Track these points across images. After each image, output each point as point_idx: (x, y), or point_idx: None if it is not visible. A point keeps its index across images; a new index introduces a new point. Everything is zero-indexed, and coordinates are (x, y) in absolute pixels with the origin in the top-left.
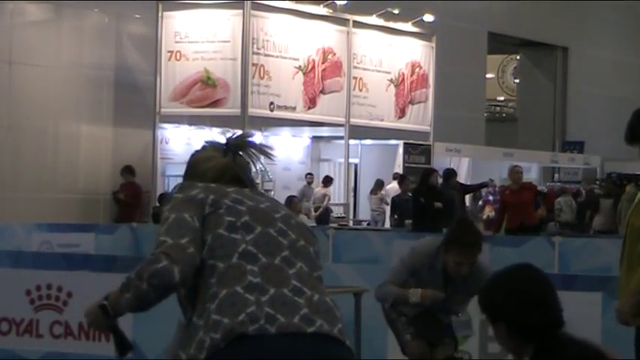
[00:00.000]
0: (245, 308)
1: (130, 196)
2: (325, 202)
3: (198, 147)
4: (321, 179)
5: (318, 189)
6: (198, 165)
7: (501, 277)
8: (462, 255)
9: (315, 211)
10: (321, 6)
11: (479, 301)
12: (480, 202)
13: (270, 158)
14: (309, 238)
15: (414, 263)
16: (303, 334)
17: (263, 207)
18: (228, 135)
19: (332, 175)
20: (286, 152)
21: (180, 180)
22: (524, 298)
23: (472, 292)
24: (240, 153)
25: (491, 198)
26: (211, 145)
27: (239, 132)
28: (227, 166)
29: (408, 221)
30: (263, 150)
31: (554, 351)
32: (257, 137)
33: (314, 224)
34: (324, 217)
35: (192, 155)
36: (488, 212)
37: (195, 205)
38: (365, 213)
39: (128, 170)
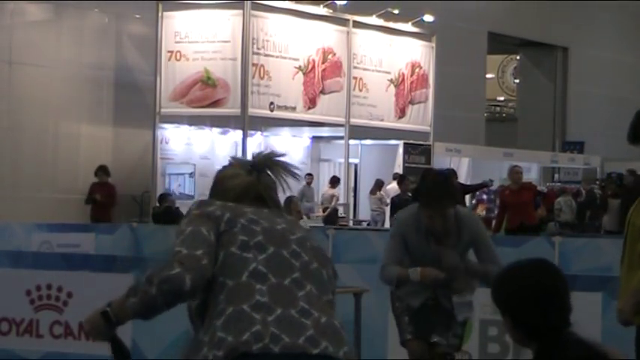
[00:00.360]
0: (250, 327)
1: (105, 196)
2: (333, 203)
3: (225, 163)
4: (320, 179)
5: (325, 189)
6: (223, 182)
7: (513, 270)
8: (431, 209)
9: (324, 211)
10: (321, 6)
11: (491, 289)
12: (474, 201)
13: (296, 178)
14: (323, 261)
15: (401, 231)
16: (308, 355)
17: (279, 228)
18: (256, 152)
19: (331, 176)
20: (286, 152)
21: (180, 179)
22: (528, 295)
23: (461, 247)
24: (267, 171)
25: (485, 197)
26: (238, 162)
27: (267, 150)
28: (251, 185)
29: None
30: (289, 169)
31: (556, 350)
32: (257, 137)
33: (319, 225)
34: (332, 217)
35: (219, 172)
36: (480, 211)
37: (211, 221)
38: (365, 213)
39: (103, 170)
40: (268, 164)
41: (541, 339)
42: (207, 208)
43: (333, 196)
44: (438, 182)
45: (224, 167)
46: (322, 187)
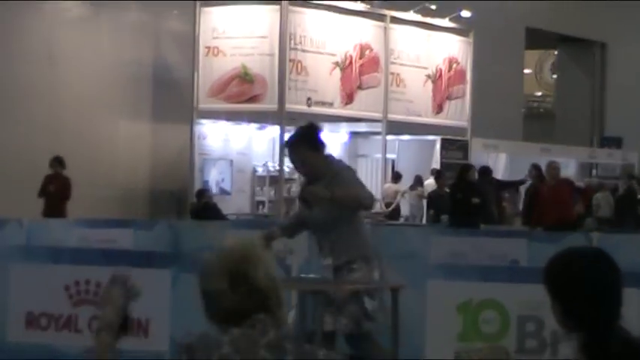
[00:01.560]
0: None
1: (59, 189)
2: (398, 198)
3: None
4: (358, 175)
5: (388, 185)
6: None
7: (570, 257)
8: (288, 155)
9: (387, 207)
10: (359, 2)
11: (543, 270)
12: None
13: None
14: None
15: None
16: None
17: None
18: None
19: (369, 171)
20: None
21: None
22: (584, 287)
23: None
24: None
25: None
26: None
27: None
28: None
29: (444, 216)
30: None
31: (604, 344)
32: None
33: None
34: (396, 213)
35: None
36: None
37: None
38: (402, 208)
39: (58, 161)
40: None
41: (591, 330)
42: None
43: (396, 192)
44: (295, 133)
45: None
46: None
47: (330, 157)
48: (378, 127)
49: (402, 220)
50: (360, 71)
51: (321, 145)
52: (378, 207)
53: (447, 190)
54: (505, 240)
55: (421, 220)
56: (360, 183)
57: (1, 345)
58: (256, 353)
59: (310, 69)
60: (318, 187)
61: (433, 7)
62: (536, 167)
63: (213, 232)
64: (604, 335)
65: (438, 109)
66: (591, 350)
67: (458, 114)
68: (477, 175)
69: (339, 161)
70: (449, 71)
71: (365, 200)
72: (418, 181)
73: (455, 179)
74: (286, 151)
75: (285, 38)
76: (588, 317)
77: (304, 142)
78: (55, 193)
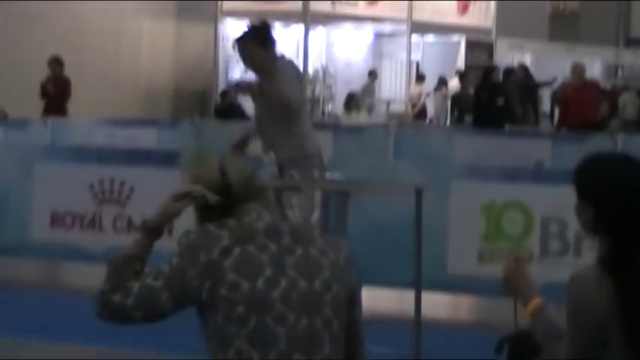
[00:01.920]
0: None
1: (59, 89)
2: (422, 100)
3: None
4: (382, 75)
5: (412, 88)
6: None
7: (606, 159)
8: (238, 50)
9: (413, 108)
10: None
11: (574, 172)
12: None
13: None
14: (314, 310)
15: None
16: None
17: (260, 287)
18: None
19: (393, 72)
20: (348, 48)
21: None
22: (621, 189)
23: (269, 89)
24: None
25: None
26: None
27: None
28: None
29: (468, 117)
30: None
31: (631, 250)
32: (319, 31)
33: (380, 122)
34: (422, 114)
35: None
36: None
37: (184, 292)
38: (427, 110)
39: (56, 61)
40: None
41: (620, 235)
42: (189, 270)
43: (420, 94)
44: (245, 29)
45: None
46: (384, 84)
47: (280, 57)
48: (402, 28)
49: (427, 122)
50: None
51: (270, 42)
52: (404, 108)
53: (472, 91)
54: (530, 141)
55: (445, 121)
56: (295, 83)
57: (26, 244)
58: (255, 239)
59: None
60: (247, 80)
61: None
62: (522, 67)
63: (237, 132)
64: (633, 240)
65: (463, 9)
66: (616, 255)
67: (483, 15)
68: (501, 76)
69: (288, 61)
70: None
71: (290, 99)
72: (442, 82)
73: (479, 80)
74: (235, 46)
75: None
76: (620, 220)
77: (253, 37)
78: (55, 94)
